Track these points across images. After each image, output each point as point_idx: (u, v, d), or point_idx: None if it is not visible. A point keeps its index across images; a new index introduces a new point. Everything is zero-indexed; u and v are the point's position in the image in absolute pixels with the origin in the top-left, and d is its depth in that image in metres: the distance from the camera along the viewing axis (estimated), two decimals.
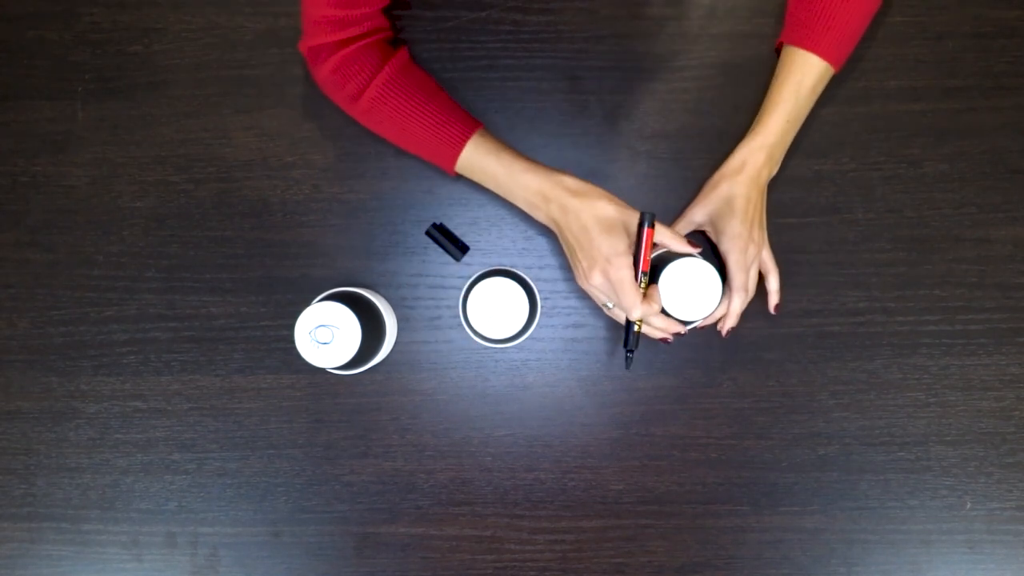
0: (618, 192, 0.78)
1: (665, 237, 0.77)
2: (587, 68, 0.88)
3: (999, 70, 0.88)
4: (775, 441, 0.87)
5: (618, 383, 0.88)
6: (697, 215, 0.84)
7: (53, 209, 0.90)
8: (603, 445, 0.88)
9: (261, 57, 0.89)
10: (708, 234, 0.85)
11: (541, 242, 0.88)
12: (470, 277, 0.86)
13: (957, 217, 0.87)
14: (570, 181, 0.77)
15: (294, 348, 0.78)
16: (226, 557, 0.88)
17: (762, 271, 0.84)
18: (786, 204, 0.87)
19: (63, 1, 0.90)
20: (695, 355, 0.88)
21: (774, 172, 0.84)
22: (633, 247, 0.76)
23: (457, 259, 0.88)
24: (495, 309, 0.81)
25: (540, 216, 0.80)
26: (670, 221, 0.86)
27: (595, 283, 0.76)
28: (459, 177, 0.84)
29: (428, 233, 0.88)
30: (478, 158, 0.80)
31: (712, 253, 0.85)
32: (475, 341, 0.87)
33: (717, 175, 0.82)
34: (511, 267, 0.86)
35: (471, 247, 0.88)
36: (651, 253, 0.77)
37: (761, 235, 0.83)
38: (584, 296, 0.88)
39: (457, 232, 0.88)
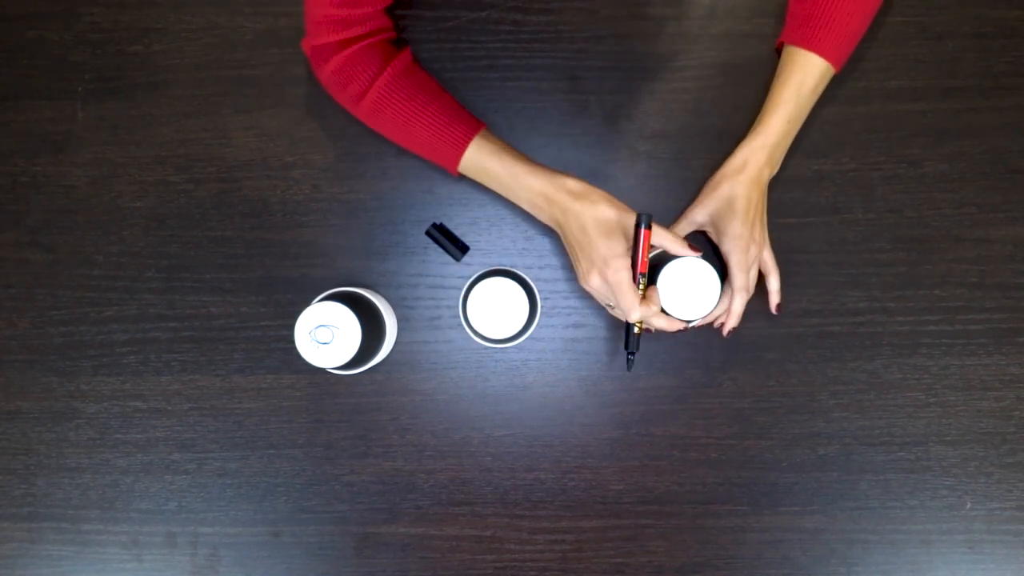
0: (618, 192, 0.78)
1: (664, 239, 0.77)
2: (587, 68, 0.88)
3: (999, 70, 0.88)
4: (775, 441, 0.87)
5: (618, 383, 0.88)
6: (698, 215, 0.84)
7: (53, 209, 0.90)
8: (603, 445, 0.88)
9: (261, 57, 0.89)
10: (709, 234, 0.85)
11: (541, 242, 0.88)
12: (470, 277, 0.86)
13: (957, 217, 0.87)
14: (572, 183, 0.77)
15: (294, 348, 0.78)
16: (226, 557, 0.88)
17: (762, 271, 0.84)
18: (786, 204, 0.87)
19: (63, 1, 0.90)
20: (695, 355, 0.88)
21: (775, 172, 0.84)
22: (631, 249, 0.76)
23: (457, 259, 0.88)
24: (495, 309, 0.81)
25: (543, 217, 0.80)
26: (670, 221, 0.86)
27: (593, 285, 0.77)
28: (461, 177, 0.84)
29: (428, 233, 0.88)
30: (481, 159, 0.80)
31: (713, 253, 0.85)
32: (475, 341, 0.87)
33: (718, 175, 0.82)
34: (511, 267, 0.86)
35: (471, 247, 0.88)
36: (649, 254, 0.77)
37: (762, 235, 0.83)
38: (584, 296, 0.88)
39: (457, 232, 0.88)
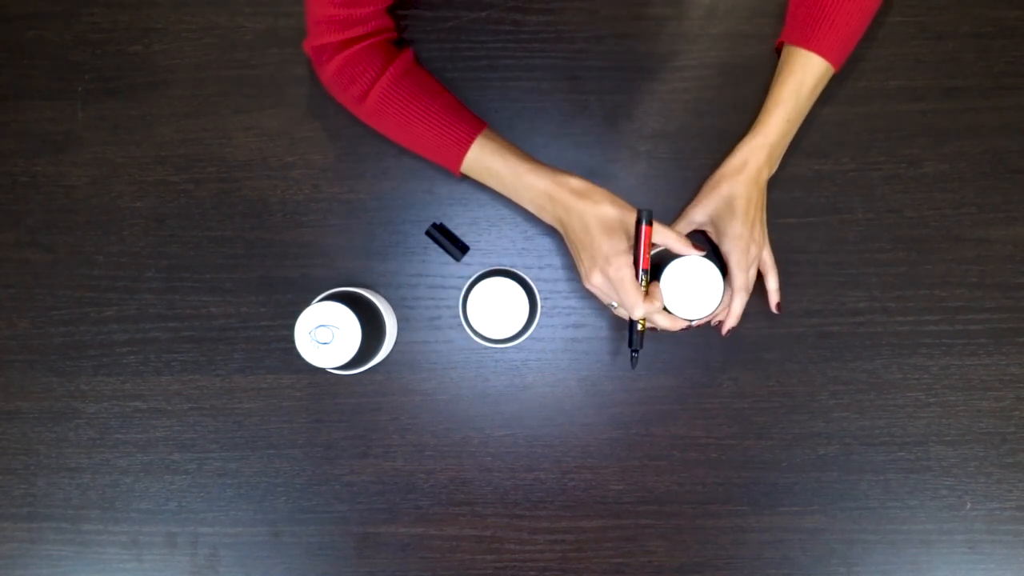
0: (619, 192, 0.78)
1: (667, 237, 0.77)
2: (587, 68, 0.88)
3: (999, 70, 0.88)
4: (775, 441, 0.87)
5: (618, 383, 0.88)
6: (697, 215, 0.84)
7: (53, 209, 0.90)
8: (603, 445, 0.88)
9: (261, 57, 0.89)
10: (709, 234, 0.85)
11: (541, 242, 0.88)
12: (470, 277, 0.86)
13: (957, 217, 0.87)
14: (574, 182, 0.77)
15: (294, 348, 0.78)
16: (226, 557, 0.88)
17: (761, 270, 0.84)
18: (786, 204, 0.87)
19: (63, 1, 0.90)
20: (695, 355, 0.88)
21: (773, 171, 0.84)
22: (633, 247, 0.76)
23: (457, 259, 0.88)
24: (495, 309, 0.81)
25: (546, 217, 0.80)
26: (670, 221, 0.86)
27: (595, 283, 0.77)
28: (464, 177, 0.84)
29: (428, 233, 0.88)
30: (483, 159, 0.80)
31: (713, 252, 0.85)
32: (475, 341, 0.87)
33: (717, 175, 0.82)
34: (511, 267, 0.86)
35: (471, 247, 0.88)
36: (651, 251, 0.77)
37: (762, 234, 0.83)
38: (584, 296, 0.88)
39: (457, 232, 0.88)
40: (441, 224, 0.88)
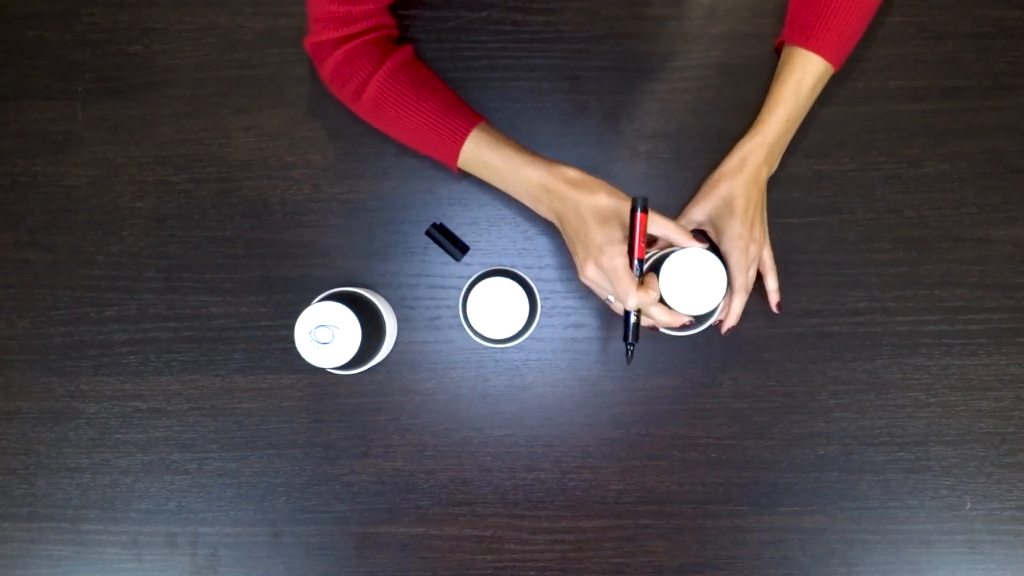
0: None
1: (666, 228, 0.75)
2: (587, 68, 0.88)
3: (999, 70, 0.88)
4: (775, 441, 0.87)
5: (618, 383, 0.88)
6: (696, 215, 0.83)
7: (53, 209, 0.90)
8: (603, 445, 0.88)
9: (261, 57, 0.89)
10: (708, 234, 0.85)
11: (541, 242, 0.88)
12: (470, 277, 0.86)
13: (957, 217, 0.87)
14: (571, 172, 0.76)
15: (294, 348, 0.78)
16: (226, 557, 0.88)
17: (761, 270, 0.84)
18: (786, 204, 0.87)
19: (63, 1, 0.90)
20: (695, 355, 0.88)
21: (773, 171, 0.84)
22: (628, 236, 0.74)
23: (457, 259, 0.88)
24: (495, 309, 0.81)
25: (543, 210, 0.79)
26: (674, 203, 0.86)
27: (590, 275, 0.75)
28: (463, 175, 0.84)
29: (428, 233, 0.88)
30: (479, 152, 0.80)
31: (712, 250, 0.85)
32: (475, 341, 0.87)
33: (716, 174, 0.82)
34: (511, 267, 0.86)
35: (471, 247, 0.88)
36: (653, 253, 0.76)
37: (762, 234, 0.83)
38: (584, 296, 0.88)
39: (457, 232, 0.88)
40: (441, 224, 0.88)
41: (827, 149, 0.88)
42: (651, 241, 0.83)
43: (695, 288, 0.76)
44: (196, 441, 0.89)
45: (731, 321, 0.83)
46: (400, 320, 0.88)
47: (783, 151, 0.84)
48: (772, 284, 0.85)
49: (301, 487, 0.88)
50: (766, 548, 0.87)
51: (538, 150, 0.84)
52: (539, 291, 0.86)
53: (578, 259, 0.77)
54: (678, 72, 0.88)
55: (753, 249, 0.81)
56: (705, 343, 0.87)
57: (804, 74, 0.81)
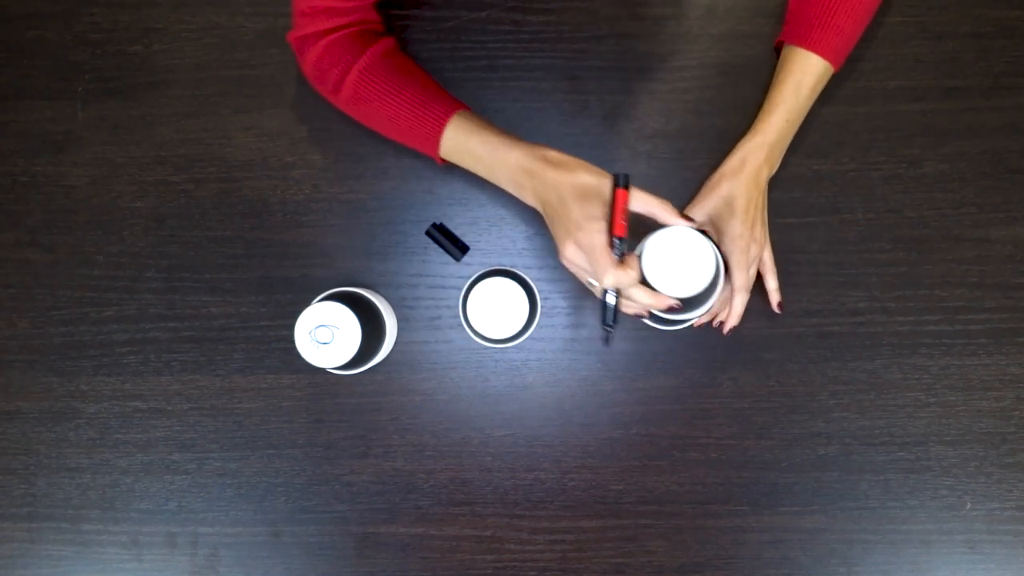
0: None
1: (649, 204, 0.71)
2: (587, 68, 0.88)
3: (999, 70, 0.88)
4: (775, 441, 0.87)
5: (618, 383, 0.88)
6: (697, 215, 0.83)
7: (53, 209, 0.90)
8: (603, 445, 0.88)
9: (261, 57, 0.89)
10: (709, 233, 0.85)
11: (541, 242, 0.88)
12: (470, 277, 0.86)
13: (957, 217, 0.87)
14: (551, 154, 0.73)
15: (294, 348, 0.78)
16: (226, 557, 0.88)
17: (760, 270, 0.84)
18: (786, 204, 0.87)
19: (63, 1, 0.90)
20: (695, 355, 0.88)
21: (774, 171, 0.84)
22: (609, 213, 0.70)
23: (457, 259, 0.88)
24: (495, 309, 0.81)
25: (526, 196, 0.75)
26: (674, 203, 0.85)
27: (569, 255, 0.71)
28: (449, 167, 0.82)
29: (428, 233, 0.88)
30: (459, 139, 0.78)
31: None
32: (475, 341, 0.87)
33: (717, 174, 0.82)
34: (511, 267, 0.86)
35: (471, 247, 0.88)
36: (627, 217, 0.70)
37: (763, 234, 0.83)
38: (583, 295, 0.88)
39: (457, 232, 0.88)
40: (441, 224, 0.88)
41: (827, 149, 0.88)
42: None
43: (681, 269, 0.71)
44: (196, 441, 0.89)
45: (732, 321, 0.83)
46: (400, 320, 0.88)
47: (784, 151, 0.84)
48: (772, 284, 0.85)
49: (301, 487, 0.88)
50: (766, 548, 0.87)
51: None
52: (539, 291, 0.86)
53: (558, 239, 0.73)
54: (678, 72, 0.88)
55: (754, 249, 0.81)
56: (705, 343, 0.87)
57: (804, 74, 0.81)
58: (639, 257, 0.72)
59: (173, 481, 0.89)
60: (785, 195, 0.87)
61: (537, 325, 0.87)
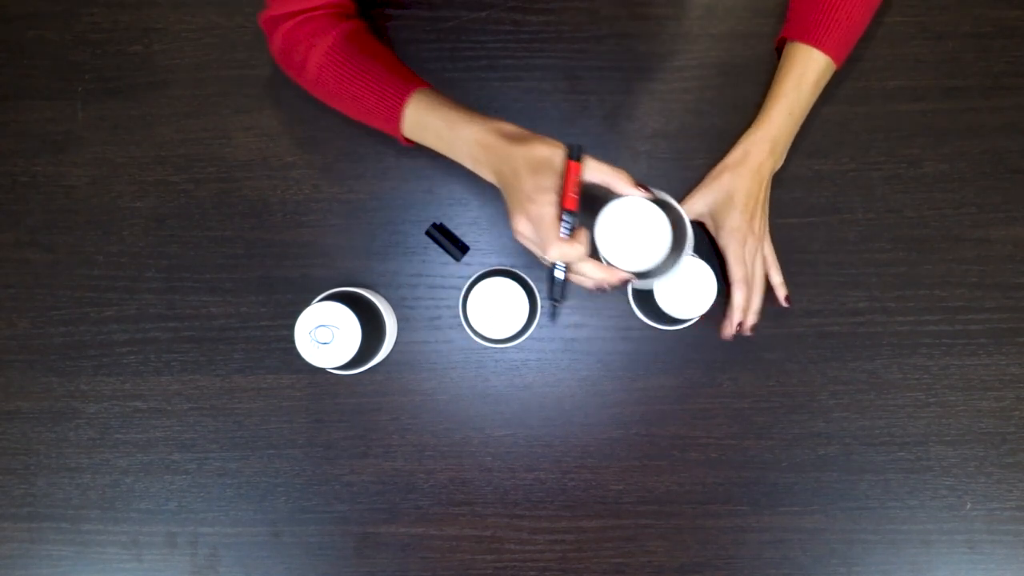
0: None
1: (603, 174, 0.69)
2: (587, 68, 0.88)
3: (999, 70, 0.88)
4: (775, 441, 0.87)
5: (618, 383, 0.88)
6: (697, 205, 0.83)
7: (53, 209, 0.90)
8: (603, 445, 0.88)
9: (261, 57, 0.89)
10: (707, 226, 0.85)
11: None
12: (470, 277, 0.86)
13: (957, 217, 0.87)
14: (507, 127, 0.73)
15: (294, 348, 0.78)
16: (226, 557, 0.88)
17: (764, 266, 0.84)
18: (786, 204, 0.87)
19: (63, 1, 0.90)
20: (695, 355, 0.88)
21: (778, 166, 0.83)
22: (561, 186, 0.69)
23: (457, 259, 0.88)
24: (495, 309, 0.81)
25: (484, 171, 0.74)
26: None
27: (519, 227, 0.69)
28: (413, 147, 0.81)
29: (428, 233, 0.88)
30: (420, 116, 0.77)
31: (711, 250, 0.85)
32: (475, 341, 0.87)
33: (719, 166, 0.83)
34: (511, 267, 0.86)
35: (471, 247, 0.88)
36: (579, 190, 0.68)
37: (762, 228, 0.82)
38: (584, 296, 0.88)
39: (457, 232, 0.88)
40: (441, 224, 0.88)
41: (827, 149, 0.88)
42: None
43: (636, 241, 0.69)
44: (196, 441, 0.89)
45: (737, 315, 0.82)
46: (400, 320, 0.88)
47: (788, 146, 0.84)
48: (777, 279, 0.85)
49: (301, 487, 0.88)
50: (766, 548, 0.87)
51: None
52: (539, 291, 0.86)
53: (510, 212, 0.71)
54: (678, 72, 0.88)
55: (751, 242, 0.81)
56: (705, 343, 0.87)
57: (806, 69, 0.81)
58: (593, 229, 0.70)
59: (173, 481, 0.89)
60: (785, 195, 0.87)
61: (537, 325, 0.87)
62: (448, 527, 0.88)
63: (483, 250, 0.88)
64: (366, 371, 0.86)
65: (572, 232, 0.68)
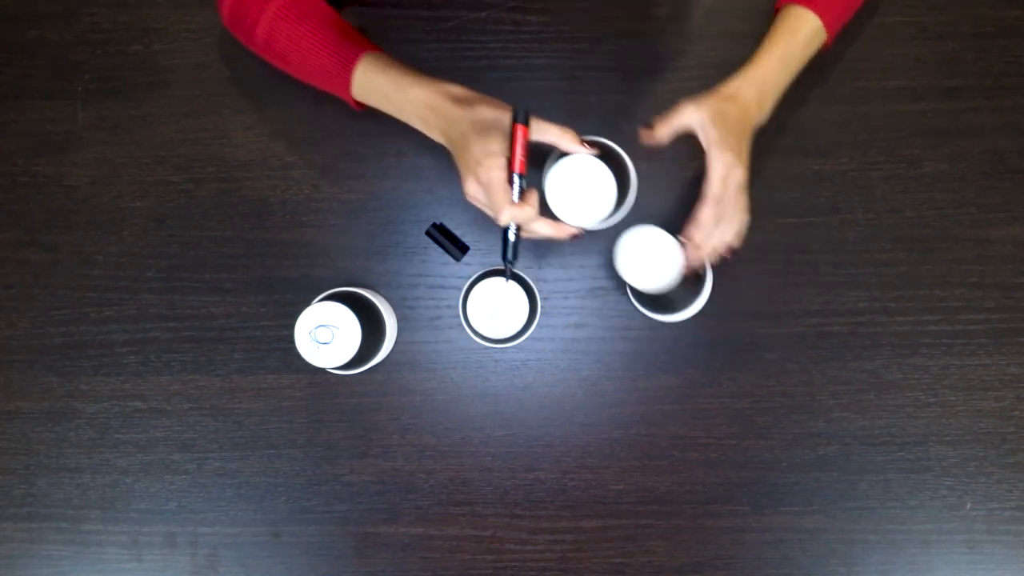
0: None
1: (551, 134, 0.72)
2: (587, 68, 0.88)
3: (999, 70, 0.88)
4: (775, 441, 0.87)
5: (618, 383, 0.88)
6: (691, 114, 0.76)
7: (53, 209, 0.90)
8: (603, 445, 0.88)
9: (261, 57, 0.89)
10: (699, 139, 0.77)
11: (541, 242, 0.88)
12: (470, 277, 0.86)
13: (957, 217, 0.87)
14: (455, 90, 0.74)
15: (294, 348, 0.78)
16: (226, 557, 0.88)
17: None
18: (786, 204, 0.87)
19: (63, 1, 0.90)
20: (695, 355, 0.88)
21: (763, 117, 0.80)
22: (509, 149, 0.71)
23: (457, 259, 0.88)
24: (495, 309, 0.81)
25: (433, 132, 0.75)
26: (674, 222, 0.85)
27: (470, 191, 0.72)
28: (365, 110, 0.81)
29: (428, 233, 0.88)
30: (369, 77, 0.77)
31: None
32: (475, 341, 0.87)
33: (708, 93, 0.77)
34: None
35: (471, 247, 0.88)
36: (527, 153, 0.70)
37: (748, 157, 0.77)
38: (583, 296, 0.88)
39: (457, 232, 0.88)
40: (441, 224, 0.88)
41: (827, 149, 0.88)
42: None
43: (584, 197, 0.72)
44: (196, 441, 0.89)
45: (696, 233, 0.76)
46: (400, 320, 0.88)
47: (775, 99, 0.80)
48: (742, 224, 0.79)
49: (301, 487, 0.88)
50: (766, 548, 0.87)
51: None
52: (539, 291, 0.86)
53: (461, 176, 0.73)
54: (678, 72, 0.88)
55: (739, 173, 0.74)
56: (705, 343, 0.87)
57: (799, 24, 0.80)
58: (542, 186, 0.72)
59: (173, 481, 0.89)
60: (785, 195, 0.87)
61: (537, 325, 0.87)
62: (448, 527, 0.88)
63: (483, 250, 0.88)
64: (366, 371, 0.86)
65: (522, 194, 0.70)
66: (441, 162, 0.79)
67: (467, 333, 0.87)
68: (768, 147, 0.88)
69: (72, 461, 0.89)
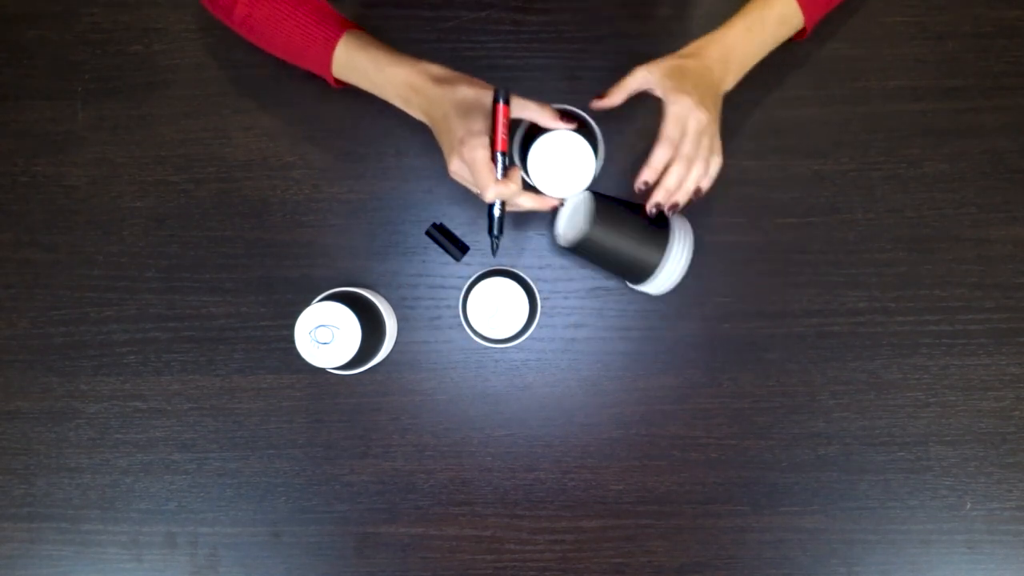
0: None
1: (530, 111, 0.74)
2: (587, 68, 0.88)
3: (999, 70, 0.88)
4: (775, 441, 0.87)
5: (618, 383, 0.88)
6: (641, 75, 0.76)
7: (53, 209, 0.90)
8: (603, 445, 0.88)
9: (261, 57, 0.89)
10: (656, 94, 0.77)
11: (541, 242, 0.88)
12: (470, 277, 0.86)
13: (957, 217, 0.87)
14: (435, 69, 0.75)
15: (294, 348, 0.78)
16: (226, 557, 0.88)
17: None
18: (786, 204, 0.87)
19: (63, 1, 0.90)
20: (695, 355, 0.88)
21: (728, 83, 0.79)
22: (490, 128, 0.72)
23: (457, 259, 0.88)
24: (495, 309, 0.81)
25: (415, 112, 0.77)
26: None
27: (454, 169, 0.73)
28: (345, 88, 0.81)
29: (428, 233, 0.88)
30: (350, 57, 0.78)
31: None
32: (475, 341, 0.87)
33: (665, 56, 0.78)
34: (511, 267, 0.86)
35: (471, 247, 0.88)
36: (508, 131, 0.73)
37: (714, 109, 0.76)
38: (583, 296, 0.88)
39: (457, 232, 0.88)
40: (441, 224, 0.88)
41: (827, 149, 0.88)
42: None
43: (564, 170, 0.76)
44: (196, 441, 0.89)
45: (647, 175, 0.75)
46: (400, 320, 0.88)
47: (742, 69, 0.80)
48: (715, 167, 0.77)
49: (301, 487, 0.88)
50: (766, 548, 0.87)
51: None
52: (539, 291, 0.86)
53: (444, 155, 0.74)
54: None
55: (699, 116, 0.73)
56: (705, 343, 0.87)
57: (773, 2, 0.79)
58: (524, 162, 0.76)
59: (173, 481, 0.89)
60: (785, 195, 0.87)
61: (537, 325, 0.87)
62: (448, 527, 0.88)
63: (483, 250, 0.88)
64: (366, 371, 0.86)
65: (506, 171, 0.72)
66: (441, 162, 0.79)
67: (467, 333, 0.87)
68: (768, 147, 0.88)
69: (72, 461, 0.89)
